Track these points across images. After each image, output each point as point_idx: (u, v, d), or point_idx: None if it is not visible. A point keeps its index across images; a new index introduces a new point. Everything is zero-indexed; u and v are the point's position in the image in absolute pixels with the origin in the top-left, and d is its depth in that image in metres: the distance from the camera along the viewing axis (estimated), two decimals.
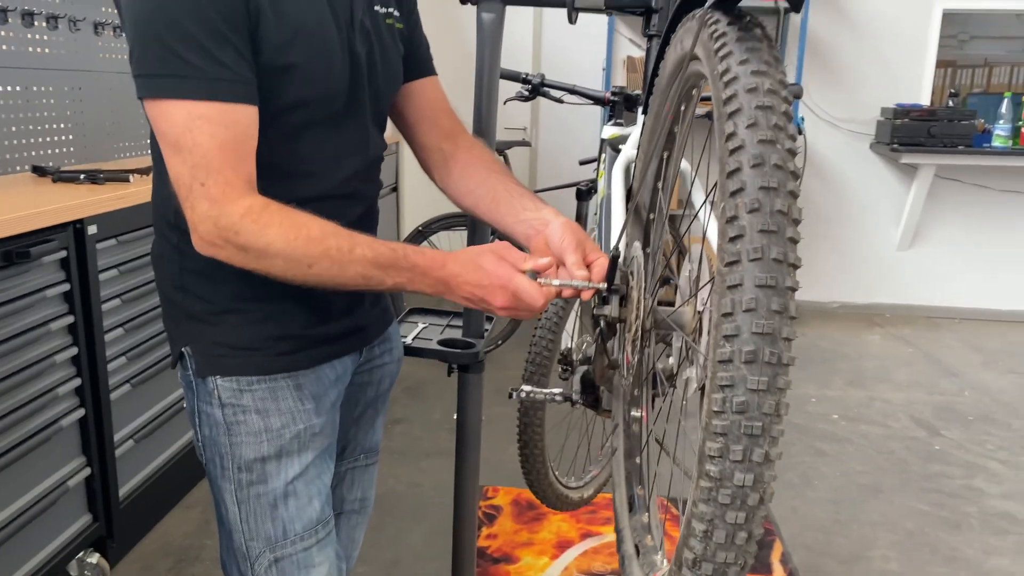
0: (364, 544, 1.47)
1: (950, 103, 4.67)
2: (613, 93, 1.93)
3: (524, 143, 4.18)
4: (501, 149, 3.97)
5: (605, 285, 0.99)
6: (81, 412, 2.01)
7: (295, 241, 0.95)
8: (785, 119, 0.73)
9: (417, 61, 1.23)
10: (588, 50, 4.89)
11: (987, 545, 2.46)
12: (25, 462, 1.83)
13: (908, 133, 4.50)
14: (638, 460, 1.14)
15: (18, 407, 1.80)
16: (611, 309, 1.01)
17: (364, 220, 1.16)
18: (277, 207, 0.96)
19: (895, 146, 4.52)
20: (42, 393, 1.87)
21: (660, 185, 1.24)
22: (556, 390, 1.36)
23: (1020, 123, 4.49)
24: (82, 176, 2.22)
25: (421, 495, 2.65)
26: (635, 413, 1.13)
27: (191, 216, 0.95)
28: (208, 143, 0.93)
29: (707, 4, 0.80)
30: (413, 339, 1.47)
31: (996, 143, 4.51)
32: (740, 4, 0.78)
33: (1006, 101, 4.48)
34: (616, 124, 1.93)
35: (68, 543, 1.99)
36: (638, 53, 4.88)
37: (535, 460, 1.87)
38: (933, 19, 4.70)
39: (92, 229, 2.00)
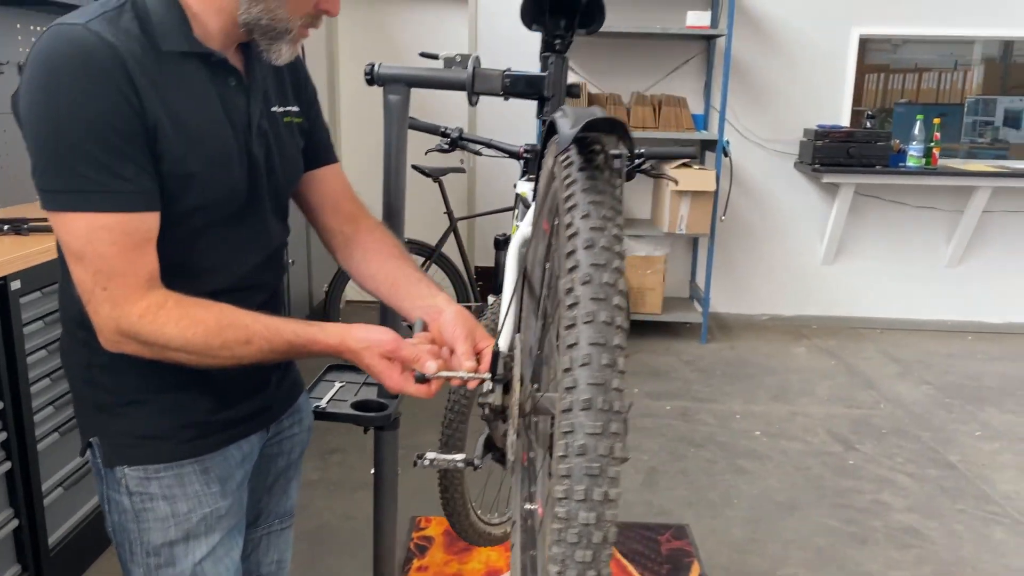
0: None
1: (868, 124, 4.89)
2: (526, 150, 2.02)
3: (460, 170, 4.26)
4: (437, 176, 4.04)
5: (489, 375, 1.08)
6: (8, 465, 2.03)
7: (193, 336, 1.02)
8: (616, 274, 0.84)
9: (318, 151, 1.30)
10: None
11: (890, 560, 2.62)
12: None
13: (828, 154, 4.70)
14: (533, 553, 1.22)
15: None
16: (494, 398, 1.09)
17: (268, 305, 1.23)
18: (175, 303, 1.02)
19: (816, 166, 4.71)
20: None
21: (547, 265, 1.33)
22: (459, 456, 1.44)
23: (932, 144, 4.72)
24: (5, 227, 2.23)
25: (354, 528, 2.71)
26: (529, 507, 1.21)
27: (95, 319, 1.01)
28: (108, 251, 0.99)
29: (563, 141, 0.89)
30: (328, 401, 1.54)
31: (910, 163, 4.74)
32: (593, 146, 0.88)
33: (919, 124, 4.71)
34: (529, 179, 2.02)
35: None
36: (571, 79, 4.98)
37: (456, 503, 1.95)
38: (851, 44, 4.91)
39: (15, 285, 2.02)
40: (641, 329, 4.93)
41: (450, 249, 4.13)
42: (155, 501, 1.13)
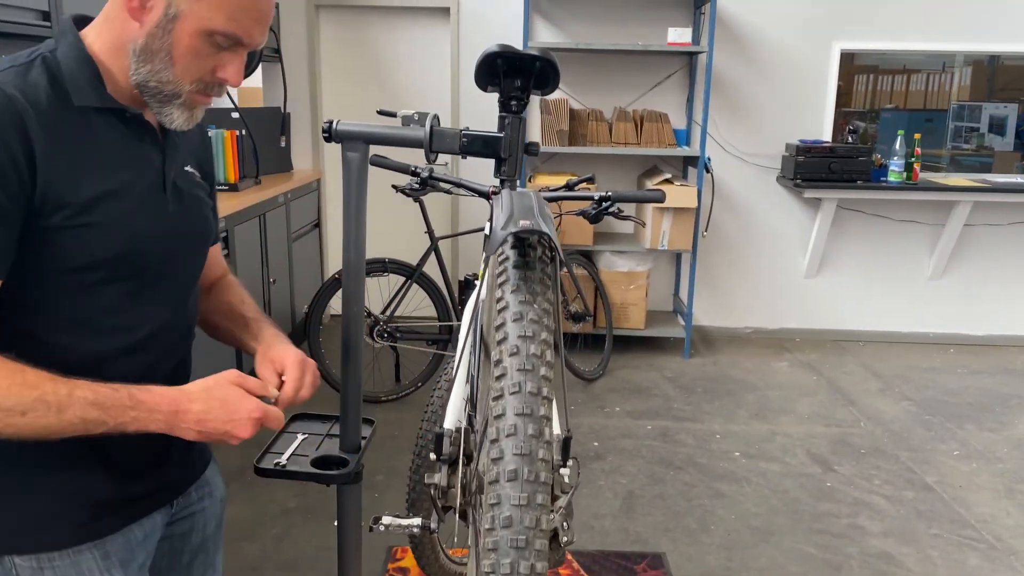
0: None
1: (849, 139, 4.90)
2: (494, 191, 2.02)
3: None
4: (418, 196, 4.03)
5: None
6: None
7: (8, 388, 0.94)
8: (544, 346, 0.85)
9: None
10: None
11: None
12: None
13: (809, 169, 4.71)
14: None
15: None
16: (440, 478, 1.09)
17: (177, 372, 1.22)
18: None
19: (798, 181, 4.73)
20: None
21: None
22: (416, 521, 1.44)
23: (913, 159, 4.74)
24: None
25: (332, 558, 2.70)
26: None
27: None
28: None
29: (494, 243, 0.90)
30: (288, 457, 1.53)
31: (891, 178, 4.75)
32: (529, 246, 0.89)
33: (899, 139, 4.72)
34: None
35: None
36: (553, 95, 4.98)
37: (424, 545, 1.95)
38: (832, 59, 4.93)
39: None
40: (624, 344, 4.94)
41: (431, 268, 4.13)
42: None
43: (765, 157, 5.05)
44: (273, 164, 4.76)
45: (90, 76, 1.05)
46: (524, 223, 0.85)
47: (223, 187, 4.03)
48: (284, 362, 1.21)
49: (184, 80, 1.07)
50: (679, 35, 4.50)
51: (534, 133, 4.91)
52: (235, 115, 4.38)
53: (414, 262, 3.97)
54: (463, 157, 1.46)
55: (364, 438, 1.62)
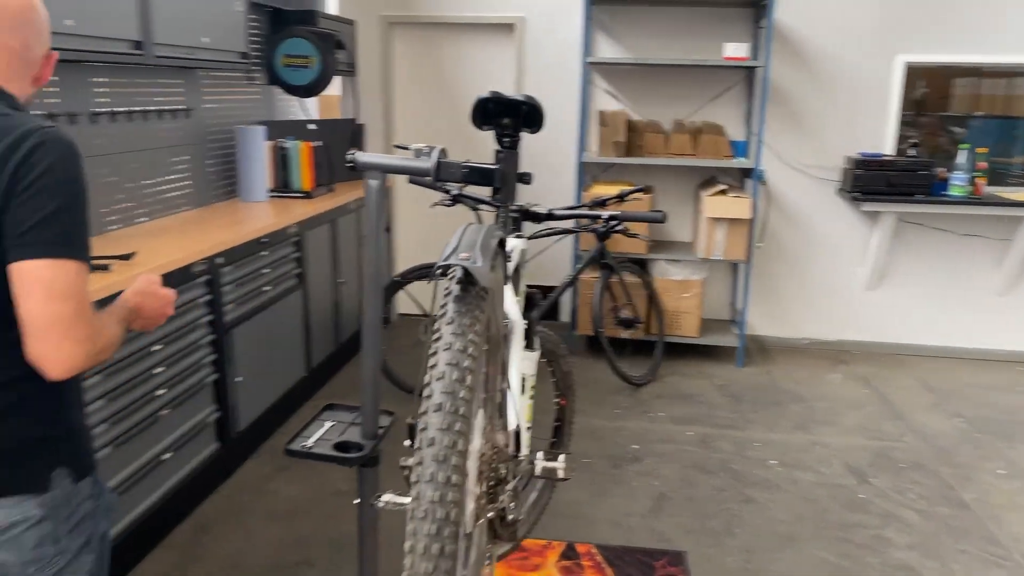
0: None
1: (911, 152, 4.87)
2: (513, 209, 2.21)
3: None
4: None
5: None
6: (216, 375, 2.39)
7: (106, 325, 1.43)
8: (464, 367, 1.05)
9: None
10: (565, 102, 5.17)
11: None
12: None
13: (868, 183, 4.71)
14: None
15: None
16: (410, 461, 1.30)
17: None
18: None
19: (856, 194, 4.74)
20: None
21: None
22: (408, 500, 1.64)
23: (975, 173, 4.67)
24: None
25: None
26: None
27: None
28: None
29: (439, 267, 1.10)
30: (315, 441, 1.78)
31: (953, 192, 4.70)
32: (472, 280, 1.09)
33: (964, 153, 4.67)
34: (518, 237, 2.21)
35: None
36: (610, 106, 5.14)
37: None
38: (895, 71, 4.90)
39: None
40: (677, 352, 5.04)
41: None
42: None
43: (825, 169, 5.06)
44: (347, 173, 5.08)
45: None
46: (461, 256, 1.04)
47: (296, 194, 4.37)
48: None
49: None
50: (735, 50, 4.59)
51: (592, 143, 5.08)
52: (311, 127, 4.71)
53: None
54: (464, 186, 1.65)
55: (383, 427, 1.85)
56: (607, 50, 5.10)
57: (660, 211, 2.19)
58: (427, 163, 1.61)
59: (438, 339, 1.03)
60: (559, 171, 5.25)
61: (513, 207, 2.25)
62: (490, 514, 1.19)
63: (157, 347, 2.75)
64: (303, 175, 4.42)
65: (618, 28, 5.06)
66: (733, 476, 3.51)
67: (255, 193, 4.23)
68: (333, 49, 4.41)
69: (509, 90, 5.20)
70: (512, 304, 1.68)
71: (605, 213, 2.17)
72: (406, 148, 1.65)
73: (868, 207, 4.83)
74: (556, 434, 2.73)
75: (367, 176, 1.68)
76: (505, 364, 1.59)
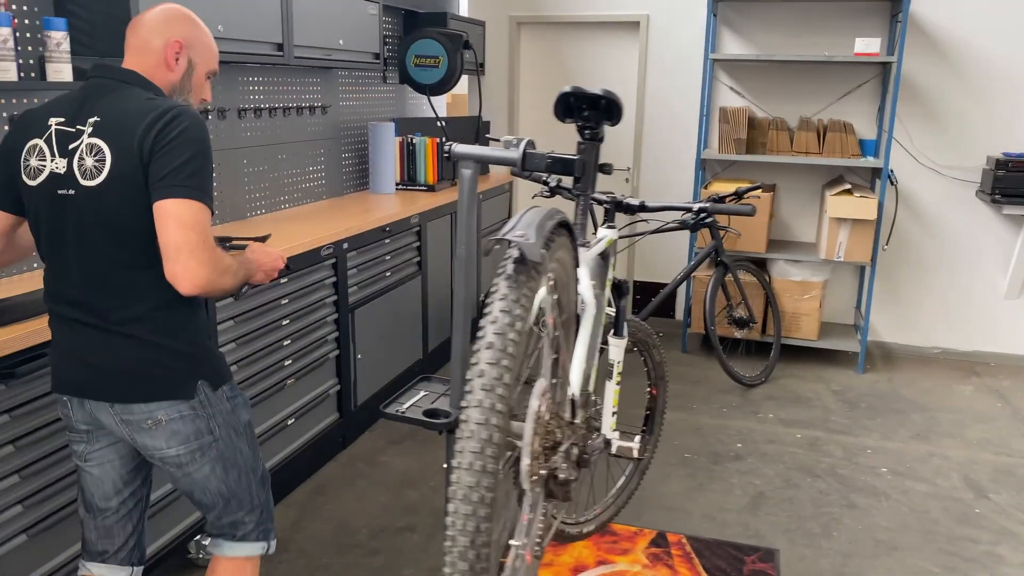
0: None
1: None
2: (606, 199, 2.30)
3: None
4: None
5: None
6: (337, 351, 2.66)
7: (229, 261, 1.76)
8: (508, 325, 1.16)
9: None
10: (688, 99, 5.16)
11: None
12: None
13: (1010, 184, 4.44)
14: None
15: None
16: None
17: None
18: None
19: (996, 196, 4.48)
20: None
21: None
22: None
23: None
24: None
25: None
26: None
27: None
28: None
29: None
30: (407, 407, 1.95)
31: None
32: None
33: None
34: (610, 227, 2.30)
35: (190, 526, 2.64)
36: (734, 103, 5.09)
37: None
38: None
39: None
40: (794, 354, 4.94)
41: None
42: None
43: (964, 170, 4.81)
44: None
45: None
46: (516, 233, 1.16)
47: (421, 187, 4.62)
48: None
49: (195, 101, 1.84)
50: (866, 45, 4.44)
51: (714, 140, 5.05)
52: (440, 124, 4.95)
53: None
54: (548, 175, 1.76)
55: None
56: (733, 46, 5.05)
57: (750, 204, 2.21)
58: (515, 153, 1.73)
59: (488, 313, 1.15)
60: (681, 167, 5.26)
61: (606, 198, 2.34)
62: (542, 471, 1.30)
63: (285, 322, 3.03)
64: (428, 169, 4.66)
65: (744, 24, 5.00)
66: (839, 480, 3.43)
67: (384, 185, 4.51)
68: (461, 49, 4.62)
69: (632, 89, 5.27)
70: (587, 286, 1.77)
71: (695, 205, 2.21)
72: (497, 140, 1.78)
73: (1010, 210, 4.55)
74: (647, 422, 2.79)
75: (461, 166, 1.83)
76: (571, 338, 1.69)
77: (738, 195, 4.37)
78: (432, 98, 5.25)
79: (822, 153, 4.73)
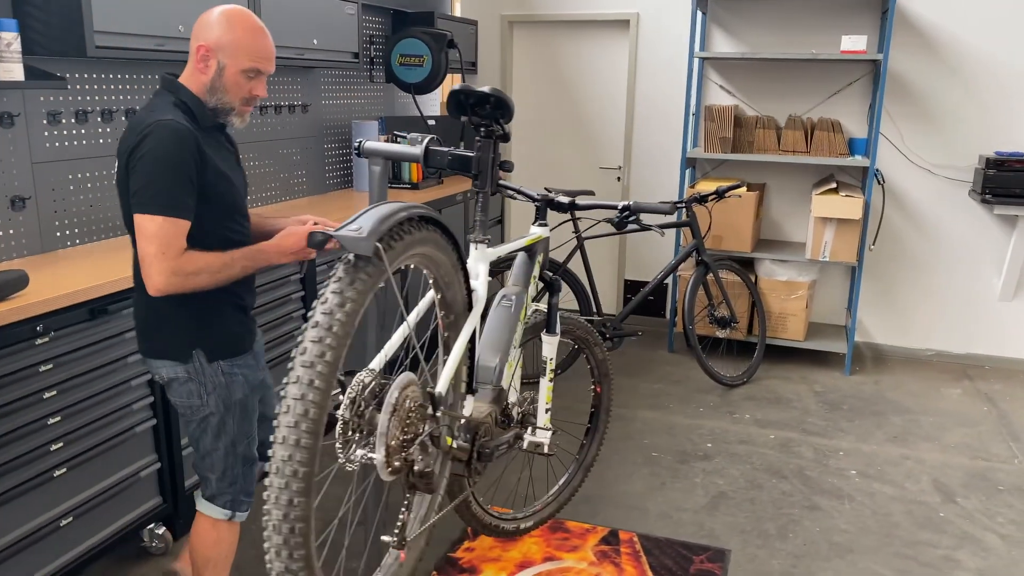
0: None
1: None
2: (538, 197, 2.31)
3: (589, 193, 4.53)
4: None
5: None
6: (154, 421, 2.72)
7: (216, 259, 1.87)
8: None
9: None
10: (678, 97, 5.14)
11: None
12: (110, 455, 2.55)
13: (1001, 183, 4.36)
14: None
15: (102, 417, 2.52)
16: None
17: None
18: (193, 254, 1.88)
19: (987, 196, 4.39)
20: (120, 408, 2.59)
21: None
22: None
23: None
24: None
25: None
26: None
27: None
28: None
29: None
30: None
31: None
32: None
33: None
34: (541, 224, 2.31)
35: (140, 517, 2.70)
36: (722, 101, 5.05)
37: (455, 492, 2.30)
38: None
39: None
40: (780, 355, 4.89)
41: (577, 266, 4.45)
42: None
43: (956, 169, 4.72)
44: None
45: (203, 110, 1.92)
46: (348, 228, 1.18)
47: (405, 185, 4.66)
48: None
49: (235, 100, 1.93)
50: (853, 43, 4.38)
51: (702, 139, 5.02)
52: (431, 122, 4.99)
53: (560, 260, 4.31)
54: (448, 172, 1.78)
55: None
56: (723, 45, 5.02)
57: (668, 202, 2.20)
58: (418, 150, 1.75)
59: (320, 295, 1.17)
60: (672, 166, 5.24)
61: (537, 196, 2.35)
62: (397, 463, 1.32)
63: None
64: (412, 167, 4.69)
65: (734, 22, 4.96)
66: (804, 482, 3.40)
67: (367, 183, 4.55)
68: (445, 48, 4.65)
69: (622, 86, 5.26)
70: (482, 283, 1.79)
71: (621, 204, 2.21)
72: (404, 137, 1.80)
73: (1002, 210, 4.46)
74: (591, 420, 2.79)
75: (371, 162, 1.85)
76: (458, 331, 1.71)
77: (718, 194, 4.35)
78: (418, 97, 5.29)
79: (809, 152, 4.68)
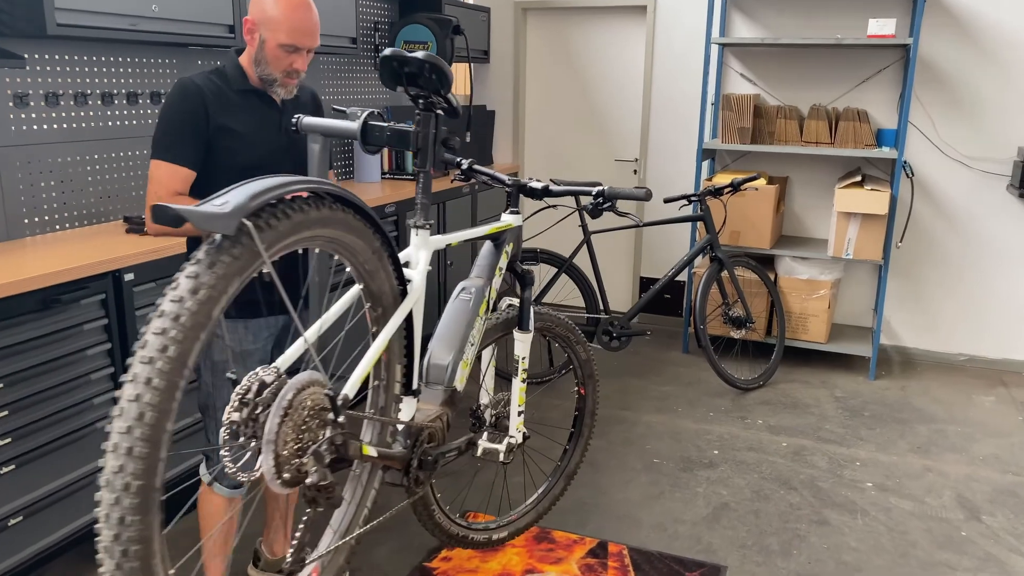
0: None
1: None
2: (509, 184, 2.13)
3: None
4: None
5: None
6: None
7: None
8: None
9: None
10: (695, 85, 4.91)
11: None
12: (68, 451, 2.43)
13: None
14: None
15: (56, 412, 2.40)
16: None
17: None
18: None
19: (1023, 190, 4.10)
20: (79, 403, 2.47)
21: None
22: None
23: None
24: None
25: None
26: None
27: None
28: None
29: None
30: None
31: None
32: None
33: None
34: (512, 212, 2.13)
35: None
36: (743, 90, 4.81)
37: (419, 506, 2.14)
38: None
39: (129, 276, 2.58)
40: (801, 357, 4.64)
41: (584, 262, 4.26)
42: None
43: (993, 162, 4.42)
44: (468, 157, 5.15)
45: (238, 74, 2.04)
46: (214, 202, 1.01)
47: (408, 177, 4.51)
48: None
49: (277, 71, 1.99)
50: (881, 26, 4.12)
51: (718, 129, 4.79)
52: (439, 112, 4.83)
53: (566, 255, 4.12)
54: (387, 148, 1.61)
55: None
56: (744, 30, 4.77)
57: (644, 187, 2.00)
58: (355, 125, 1.59)
59: (173, 280, 1.01)
60: (688, 159, 5.01)
61: (508, 181, 2.17)
62: (286, 475, 1.16)
63: None
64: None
65: (756, 6, 4.72)
66: (814, 494, 3.17)
67: (368, 174, 4.41)
68: (450, 35, 4.49)
69: (639, 75, 5.05)
70: (420, 270, 1.61)
71: (594, 189, 2.03)
72: (344, 112, 1.64)
73: None
74: (575, 424, 2.61)
75: (310, 140, 1.70)
76: (402, 333, 1.53)
77: (733, 187, 4.12)
78: None
79: (834, 143, 4.42)
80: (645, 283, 5.29)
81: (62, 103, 2.88)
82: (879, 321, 4.45)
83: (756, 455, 3.50)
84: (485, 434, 1.98)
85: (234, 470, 1.18)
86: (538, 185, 2.09)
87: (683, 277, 4.94)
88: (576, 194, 2.07)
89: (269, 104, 2.07)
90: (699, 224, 4.57)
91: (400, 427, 1.57)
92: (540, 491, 2.59)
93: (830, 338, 4.60)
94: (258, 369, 1.23)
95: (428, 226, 1.68)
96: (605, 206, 1.98)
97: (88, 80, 2.97)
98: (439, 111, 1.59)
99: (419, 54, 1.49)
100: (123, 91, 3.10)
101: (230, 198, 1.02)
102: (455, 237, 1.80)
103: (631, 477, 3.28)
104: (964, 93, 4.42)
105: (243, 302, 1.95)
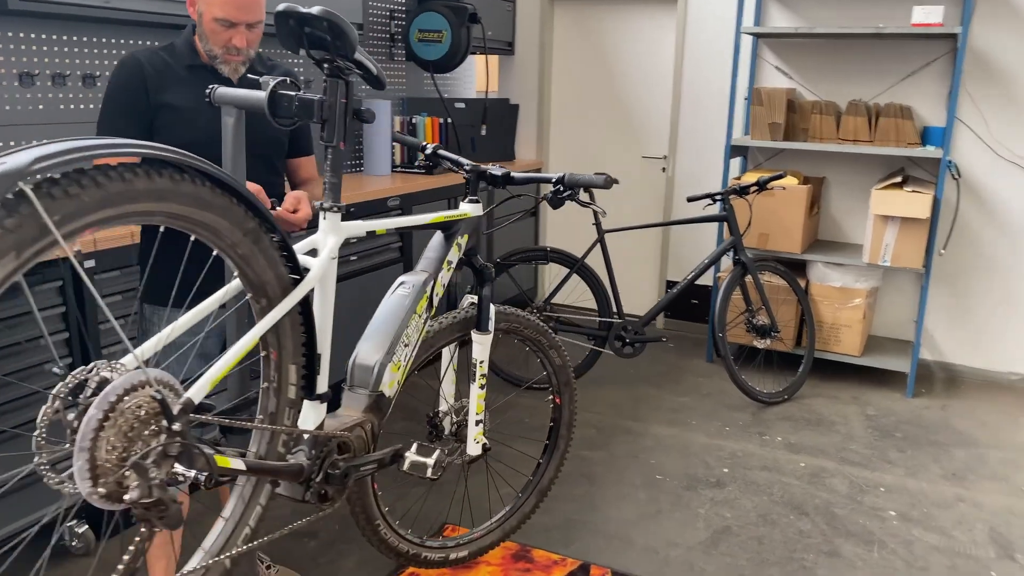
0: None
1: None
2: (467, 170, 1.94)
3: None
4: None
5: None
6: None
7: None
8: None
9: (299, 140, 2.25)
10: (726, 78, 4.64)
11: None
12: (18, 443, 2.32)
13: None
14: None
15: (17, 398, 2.30)
16: None
17: None
18: None
19: None
20: (30, 394, 2.36)
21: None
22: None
23: None
24: None
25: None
26: None
27: None
28: None
29: None
30: None
31: None
32: None
33: None
34: (471, 201, 1.94)
35: (57, 513, 2.48)
36: (780, 84, 4.52)
37: (358, 514, 1.96)
38: None
39: (90, 263, 2.46)
40: (831, 370, 4.33)
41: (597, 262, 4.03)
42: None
43: None
44: (488, 153, 4.98)
45: (188, 50, 1.95)
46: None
47: (420, 169, 4.35)
48: (289, 195, 1.95)
49: (217, 47, 1.89)
50: (927, 14, 3.79)
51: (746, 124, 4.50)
52: (459, 106, 4.66)
53: (579, 254, 3.90)
54: (295, 121, 1.43)
55: None
56: (781, 19, 4.48)
57: (604, 174, 1.79)
58: (262, 95, 1.42)
59: None
60: (720, 156, 4.74)
61: (467, 165, 1.98)
62: (103, 489, 0.99)
63: None
64: None
65: None
66: (828, 521, 2.89)
67: (378, 166, 4.27)
68: (466, 23, 4.32)
69: (669, 68, 4.80)
70: (322, 257, 1.43)
71: (555, 175, 1.82)
72: (258, 84, 1.47)
73: None
74: (550, 436, 2.39)
75: (224, 113, 1.53)
76: (297, 329, 1.35)
77: (760, 185, 3.85)
78: (438, 76, 4.97)
79: (873, 141, 4.10)
80: (671, 287, 5.03)
81: (38, 84, 2.79)
82: (919, 335, 4.11)
83: (769, 475, 3.23)
84: (414, 445, 1.79)
85: (57, 479, 1.02)
86: (499, 172, 1.90)
87: (709, 281, 4.68)
88: (538, 181, 1.86)
89: (222, 82, 1.96)
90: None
91: (306, 436, 1.40)
92: (507, 508, 2.39)
93: (865, 351, 4.27)
94: (96, 364, 1.07)
95: (337, 209, 1.50)
96: (565, 194, 1.78)
97: (68, 61, 2.87)
98: (351, 78, 1.41)
99: (315, 9, 1.31)
100: (77, 72, 2.98)
101: (9, 159, 0.85)
102: (382, 224, 1.61)
103: (628, 493, 3.05)
104: (1020, 88, 4.05)
105: (161, 286, 1.84)
